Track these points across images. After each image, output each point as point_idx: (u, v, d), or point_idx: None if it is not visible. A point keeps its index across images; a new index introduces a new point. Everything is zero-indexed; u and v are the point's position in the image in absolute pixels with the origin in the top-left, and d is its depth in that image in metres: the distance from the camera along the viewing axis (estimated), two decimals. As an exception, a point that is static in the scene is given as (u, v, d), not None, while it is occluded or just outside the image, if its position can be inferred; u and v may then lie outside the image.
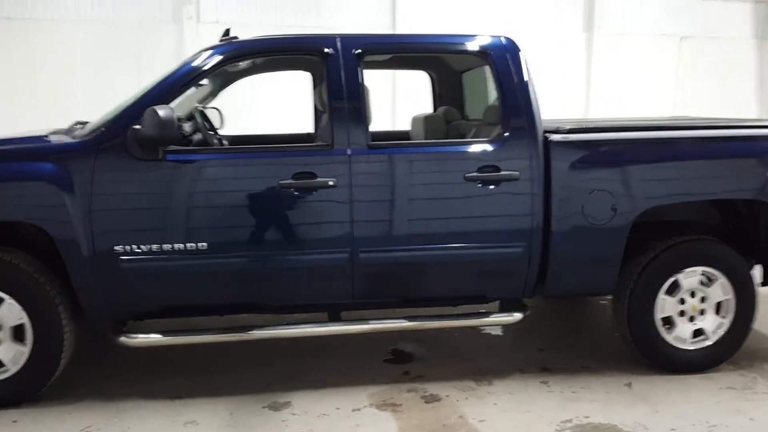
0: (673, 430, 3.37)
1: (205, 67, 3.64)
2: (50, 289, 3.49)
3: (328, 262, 3.66)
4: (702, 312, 4.04)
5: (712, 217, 4.34)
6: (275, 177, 3.56)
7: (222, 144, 4.48)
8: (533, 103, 3.83)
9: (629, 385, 3.89)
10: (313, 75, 4.80)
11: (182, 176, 3.53)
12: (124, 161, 3.47)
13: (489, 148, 3.79)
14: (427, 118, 4.93)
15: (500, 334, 4.80)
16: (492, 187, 3.73)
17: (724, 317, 4.04)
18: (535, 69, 8.40)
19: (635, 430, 3.36)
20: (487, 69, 3.97)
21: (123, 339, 3.61)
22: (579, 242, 3.85)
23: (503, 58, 3.85)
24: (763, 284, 4.22)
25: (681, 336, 4.02)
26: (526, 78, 3.87)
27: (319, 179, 3.58)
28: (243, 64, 4.36)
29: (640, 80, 9.30)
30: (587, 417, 3.49)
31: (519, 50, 3.91)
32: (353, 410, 3.54)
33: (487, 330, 4.85)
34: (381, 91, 8.38)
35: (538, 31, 8.91)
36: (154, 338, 3.63)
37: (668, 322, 4.01)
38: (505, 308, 4.05)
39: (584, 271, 3.92)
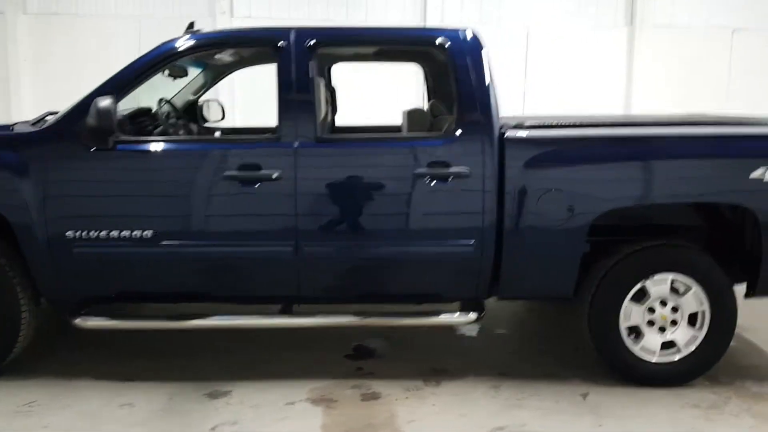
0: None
1: (159, 60, 3.72)
2: (9, 270, 3.65)
3: (271, 255, 3.66)
4: (674, 323, 3.79)
5: (703, 222, 4.07)
6: (221, 168, 3.60)
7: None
8: (491, 99, 3.70)
9: (585, 395, 3.70)
10: None
11: (130, 165, 3.63)
12: (77, 150, 3.59)
13: (440, 143, 3.69)
14: (410, 113, 4.85)
15: (474, 335, 4.68)
16: (441, 183, 3.63)
17: (698, 329, 3.78)
18: (573, 63, 8.14)
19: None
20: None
21: (77, 321, 3.73)
22: (533, 243, 3.69)
23: (460, 53, 3.73)
24: (746, 296, 3.90)
25: (649, 347, 3.79)
26: (485, 73, 3.73)
27: (263, 171, 3.59)
28: (224, 57, 4.43)
29: (689, 75, 8.79)
30: (524, 425, 3.35)
31: (480, 45, 3.77)
32: (287, 403, 3.54)
33: (464, 331, 4.74)
34: (408, 81, 8.33)
35: (576, 24, 8.61)
36: (105, 322, 3.75)
37: (635, 331, 3.79)
38: (464, 308, 3.93)
39: (539, 273, 3.75)
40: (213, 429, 3.27)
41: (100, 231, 3.61)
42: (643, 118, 4.41)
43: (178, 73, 4.33)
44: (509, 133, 3.66)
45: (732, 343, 4.46)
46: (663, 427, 3.37)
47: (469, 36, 3.78)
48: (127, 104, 3.94)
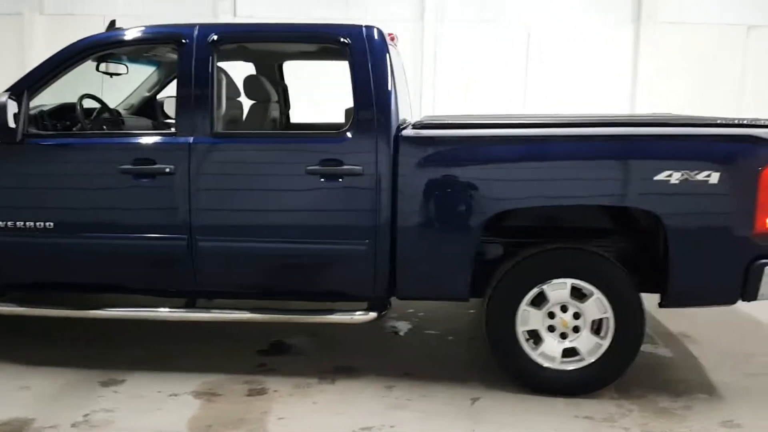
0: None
1: (67, 58, 3.83)
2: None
3: (166, 249, 3.72)
4: (576, 329, 3.65)
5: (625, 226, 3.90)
6: (116, 162, 3.69)
7: None
8: (390, 97, 3.64)
9: (476, 399, 3.60)
10: None
11: (35, 159, 3.77)
12: (-8, 142, 3.75)
13: (333, 141, 3.66)
14: (347, 110, 4.82)
15: (401, 334, 4.62)
16: (333, 181, 3.60)
17: (602, 338, 3.62)
18: (576, 61, 7.93)
19: (429, 447, 3.13)
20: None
21: (-9, 306, 3.91)
22: (426, 243, 3.62)
23: (361, 50, 3.68)
24: (660, 305, 3.70)
25: (548, 353, 3.65)
26: (385, 72, 3.67)
27: (156, 166, 3.65)
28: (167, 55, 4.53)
29: (700, 75, 8.35)
30: (393, 427, 3.28)
31: (383, 43, 3.72)
32: (170, 395, 3.59)
33: (394, 329, 4.70)
34: (420, 78, 8.32)
35: (579, 21, 8.34)
36: (12, 308, 3.89)
37: (535, 336, 3.67)
38: (370, 308, 3.88)
39: (432, 274, 3.67)
40: (86, 415, 3.35)
41: (7, 221, 3.76)
42: (563, 118, 4.22)
43: (110, 71, 4.46)
44: (403, 132, 3.60)
45: (668, 354, 4.34)
46: (536, 437, 3.25)
47: (371, 34, 3.72)
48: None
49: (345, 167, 3.58)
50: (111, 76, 4.59)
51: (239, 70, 4.87)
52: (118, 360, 4.01)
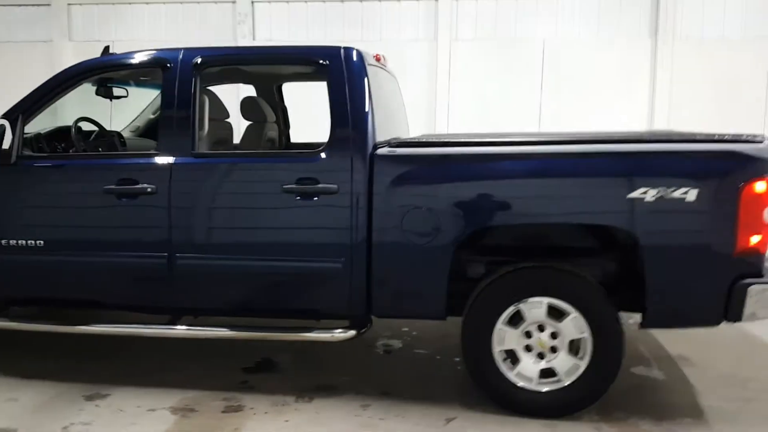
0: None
1: (59, 84, 3.98)
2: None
3: (147, 266, 3.81)
4: (554, 349, 3.59)
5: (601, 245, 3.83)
6: (101, 182, 3.80)
7: None
8: (366, 117, 3.67)
9: (450, 420, 3.57)
10: None
11: (28, 179, 3.92)
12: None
13: (309, 160, 3.71)
14: None
15: (390, 353, 4.61)
16: (309, 199, 3.65)
17: (580, 358, 3.55)
18: (591, 77, 7.86)
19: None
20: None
21: (-12, 321, 4.06)
22: (400, 261, 3.61)
23: (338, 71, 3.73)
24: (641, 326, 3.62)
25: (525, 374, 3.60)
26: (363, 92, 3.70)
27: (139, 185, 3.76)
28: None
29: (721, 91, 8.14)
30: (359, 446, 3.29)
31: (361, 64, 3.75)
32: (149, 410, 3.65)
33: (384, 348, 4.69)
34: (434, 97, 8.36)
35: (595, 36, 8.26)
36: (5, 323, 4.03)
37: (513, 356, 3.62)
38: (351, 326, 3.88)
39: (408, 292, 3.67)
40: (65, 428, 3.44)
41: (2, 239, 3.91)
42: (541, 136, 4.19)
43: (108, 95, 4.61)
44: (378, 151, 3.62)
45: (661, 377, 4.23)
46: (503, 459, 3.20)
47: (349, 55, 3.76)
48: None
49: (320, 186, 3.62)
50: (111, 100, 4.74)
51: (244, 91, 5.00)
52: (105, 374, 4.11)
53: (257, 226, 3.74)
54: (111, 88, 4.57)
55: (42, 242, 3.88)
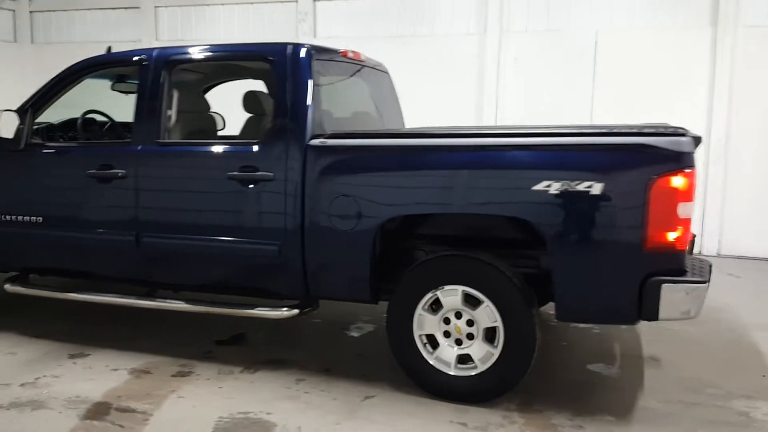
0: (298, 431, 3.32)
1: (60, 80, 4.56)
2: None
3: (120, 243, 4.28)
4: (471, 336, 3.67)
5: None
6: (85, 167, 4.33)
7: None
8: (305, 109, 3.89)
9: (369, 397, 3.75)
10: None
11: (31, 164, 4.53)
12: (5, 150, 4.55)
13: (253, 149, 4.01)
14: None
15: (360, 334, 4.83)
16: (250, 186, 3.95)
17: (495, 346, 3.60)
18: (646, 69, 7.57)
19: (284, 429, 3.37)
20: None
21: (6, 286, 4.72)
22: (329, 246, 3.83)
23: (282, 66, 3.99)
24: (556, 318, 3.59)
25: (444, 359, 3.71)
26: (305, 86, 3.92)
27: (113, 170, 4.24)
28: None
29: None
30: (269, 414, 3.53)
31: (305, 60, 3.97)
32: (113, 369, 4.13)
33: (356, 331, 4.91)
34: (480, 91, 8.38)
35: (650, 26, 7.82)
36: (17, 288, 4.68)
37: (433, 341, 3.74)
38: (299, 306, 4.14)
39: (336, 276, 3.88)
40: (37, 378, 3.99)
41: (13, 215, 4.56)
42: (466, 129, 4.20)
43: (123, 90, 5.16)
44: (311, 141, 3.85)
45: (614, 375, 4.15)
46: (391, 435, 3.35)
47: (294, 51, 4.01)
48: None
49: (259, 173, 3.91)
50: (126, 94, 5.29)
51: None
52: (95, 337, 4.65)
53: (207, 209, 4.10)
54: (126, 83, 5.07)
55: (41, 219, 4.48)
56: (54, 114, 4.81)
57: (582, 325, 5.01)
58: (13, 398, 3.71)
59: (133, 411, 3.57)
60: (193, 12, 10.17)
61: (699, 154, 7.55)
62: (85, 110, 4.97)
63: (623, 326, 4.99)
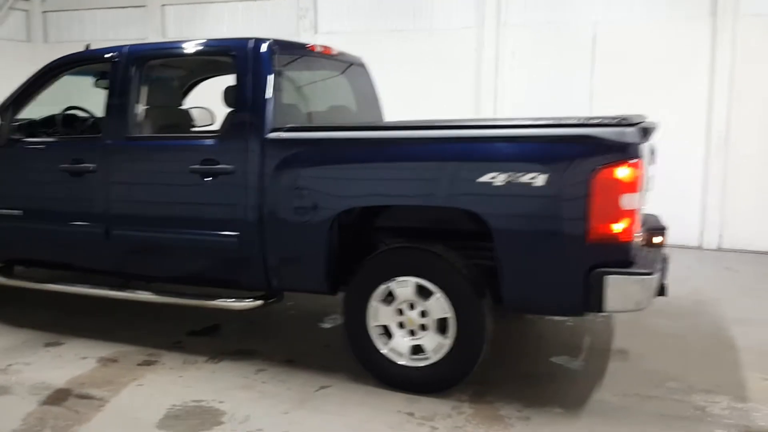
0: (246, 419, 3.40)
1: (39, 78, 4.68)
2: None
3: (91, 235, 4.39)
4: (424, 327, 3.69)
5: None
6: (58, 161, 4.45)
7: None
8: (264, 103, 3.93)
9: (324, 388, 3.80)
10: None
11: (11, 159, 4.67)
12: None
13: (213, 142, 4.08)
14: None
15: (335, 327, 4.88)
16: (211, 179, 4.02)
17: (446, 337, 3.62)
18: (645, 61, 7.48)
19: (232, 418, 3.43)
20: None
21: (-6, 278, 4.90)
22: (286, 238, 3.88)
23: (243, 60, 4.05)
24: (506, 309, 3.59)
25: (397, 349, 3.74)
26: (264, 80, 3.96)
27: (83, 164, 4.35)
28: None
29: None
30: (221, 402, 3.60)
31: (266, 55, 4.00)
32: (82, 358, 4.24)
33: (339, 324, 4.96)
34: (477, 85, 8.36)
35: (649, 17, 7.68)
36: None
37: (388, 331, 3.77)
38: (262, 297, 4.19)
39: (294, 268, 3.93)
40: (9, 365, 4.12)
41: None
42: (414, 123, 4.22)
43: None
44: (269, 135, 3.90)
45: (575, 368, 4.14)
46: (335, 424, 3.38)
47: (255, 46, 4.05)
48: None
49: (219, 166, 3.98)
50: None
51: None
52: (73, 327, 4.77)
53: (171, 202, 4.18)
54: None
55: (21, 212, 4.62)
56: (48, 110, 4.96)
57: (556, 318, 4.99)
58: (-20, 384, 3.85)
59: (91, 398, 3.67)
60: (198, 9, 10.31)
61: (699, 147, 7.55)
62: (65, 107, 5.09)
63: (597, 319, 4.98)
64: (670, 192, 7.76)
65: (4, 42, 10.54)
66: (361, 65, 5.31)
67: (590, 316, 5.05)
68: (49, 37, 11.10)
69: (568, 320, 4.96)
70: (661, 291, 4.14)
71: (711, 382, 3.90)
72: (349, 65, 5.11)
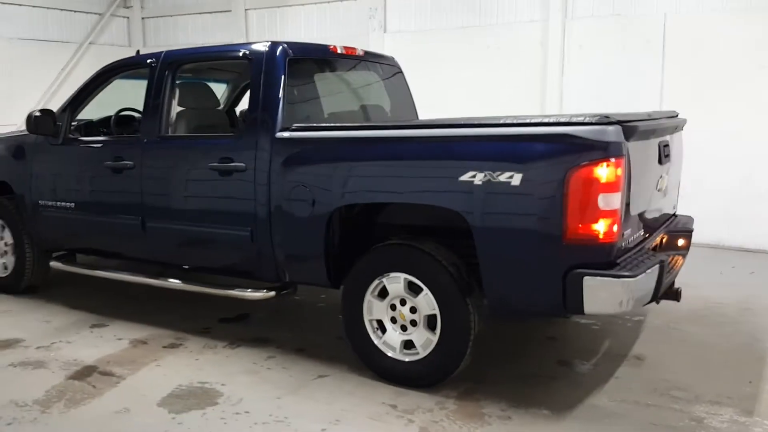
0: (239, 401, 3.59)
1: (91, 82, 5.14)
2: (20, 225, 5.51)
3: (129, 227, 4.78)
4: (415, 323, 3.76)
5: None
6: (103, 159, 4.87)
7: None
8: (276, 102, 4.14)
9: (322, 377, 3.96)
10: None
11: (67, 156, 5.16)
12: (47, 143, 5.24)
13: (229, 141, 4.34)
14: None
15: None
16: (226, 176, 4.27)
17: (435, 333, 3.68)
18: (718, 53, 7.15)
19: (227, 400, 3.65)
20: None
21: (52, 263, 5.43)
22: (290, 232, 4.07)
23: (258, 64, 4.26)
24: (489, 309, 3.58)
25: (390, 343, 3.85)
26: (277, 82, 4.17)
27: (123, 162, 4.74)
28: None
29: None
30: (223, 385, 3.84)
31: (280, 58, 4.20)
32: (117, 339, 4.63)
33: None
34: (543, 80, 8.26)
35: (721, 7, 7.20)
36: (57, 265, 5.35)
37: (383, 326, 3.88)
38: (276, 288, 4.40)
39: (298, 261, 4.11)
40: (53, 343, 4.58)
41: (52, 201, 5.22)
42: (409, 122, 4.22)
43: None
44: (278, 134, 4.10)
45: (580, 371, 4.07)
46: (318, 411, 3.53)
47: (269, 50, 4.25)
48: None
49: (233, 164, 4.23)
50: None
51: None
52: (120, 310, 5.20)
53: (193, 197, 4.47)
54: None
55: (73, 204, 5.10)
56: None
57: (583, 321, 4.89)
58: (24, 358, 4.31)
59: (112, 375, 4.03)
60: (278, 13, 10.74)
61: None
62: (119, 108, 5.54)
63: (627, 324, 4.83)
64: (746, 192, 7.34)
65: (107, 47, 11.43)
66: (393, 65, 5.41)
67: (619, 321, 4.93)
68: (147, 41, 11.95)
69: (595, 323, 4.85)
70: (675, 296, 4.01)
71: (721, 394, 3.72)
72: (378, 64, 5.23)
